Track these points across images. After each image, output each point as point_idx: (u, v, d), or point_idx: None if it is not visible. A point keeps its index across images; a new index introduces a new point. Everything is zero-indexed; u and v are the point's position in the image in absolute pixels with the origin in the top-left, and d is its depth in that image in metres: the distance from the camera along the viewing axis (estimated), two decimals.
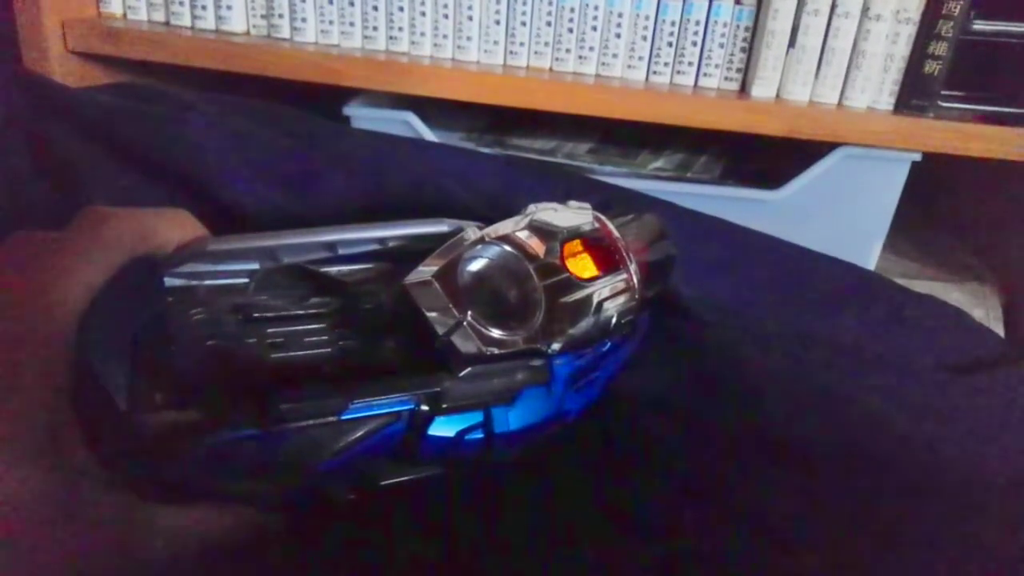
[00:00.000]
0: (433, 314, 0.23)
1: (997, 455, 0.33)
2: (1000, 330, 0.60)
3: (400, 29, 0.62)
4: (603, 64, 0.62)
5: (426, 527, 0.26)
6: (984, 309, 0.58)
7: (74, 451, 0.20)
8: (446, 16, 0.61)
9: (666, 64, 0.61)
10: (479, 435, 0.24)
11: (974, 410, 0.35)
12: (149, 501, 0.21)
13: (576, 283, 0.26)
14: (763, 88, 0.59)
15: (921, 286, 0.55)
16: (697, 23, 0.60)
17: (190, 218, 0.25)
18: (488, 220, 0.27)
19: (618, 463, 0.30)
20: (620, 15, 0.60)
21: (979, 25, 0.55)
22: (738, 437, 0.32)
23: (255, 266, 0.25)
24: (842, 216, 0.59)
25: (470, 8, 0.61)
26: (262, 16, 0.63)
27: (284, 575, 0.23)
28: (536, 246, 0.26)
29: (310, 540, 0.24)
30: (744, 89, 0.61)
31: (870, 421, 0.33)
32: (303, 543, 0.24)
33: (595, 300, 0.26)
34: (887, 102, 0.58)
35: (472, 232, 0.25)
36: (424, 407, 0.22)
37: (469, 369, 0.23)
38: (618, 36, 0.61)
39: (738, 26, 0.59)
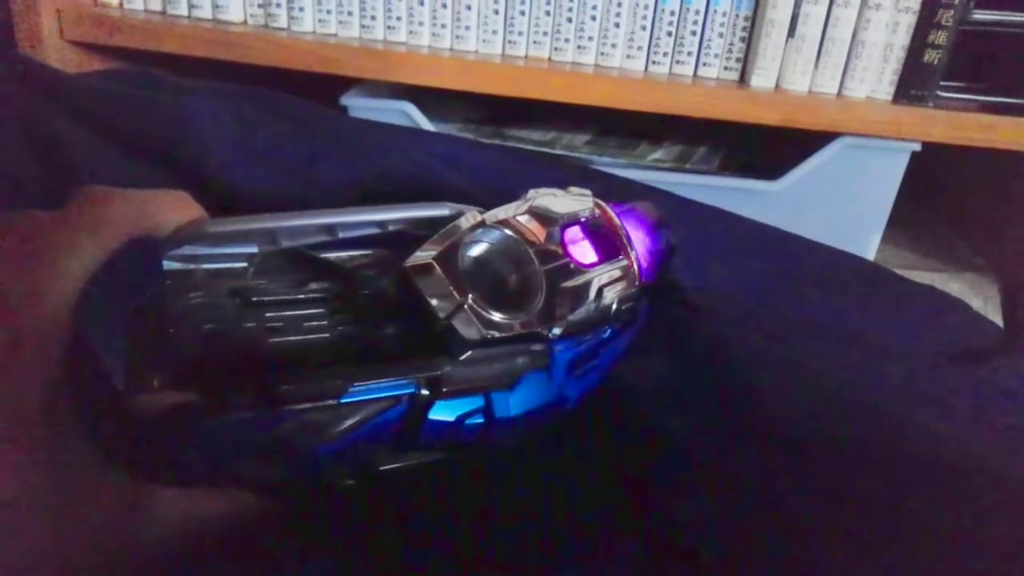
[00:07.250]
0: (434, 298, 0.23)
1: (994, 444, 0.33)
2: (998, 320, 0.60)
3: (398, 18, 0.62)
4: (602, 54, 0.61)
5: (425, 513, 0.26)
6: (982, 299, 0.58)
7: (71, 434, 0.19)
8: (444, 5, 0.61)
9: (665, 54, 0.61)
10: (479, 420, 0.24)
11: (972, 399, 0.35)
12: (147, 484, 0.21)
13: (576, 268, 0.26)
14: (762, 78, 0.59)
15: (920, 276, 0.55)
16: (696, 12, 0.59)
17: (189, 199, 0.24)
18: (486, 207, 0.27)
19: (617, 450, 0.30)
20: (619, 4, 0.60)
21: (979, 14, 0.55)
22: (738, 424, 0.32)
23: (254, 250, 0.25)
24: (841, 206, 0.59)
25: None
26: (259, 5, 0.63)
27: (282, 560, 0.23)
28: (536, 231, 0.26)
29: (309, 525, 0.24)
30: (743, 79, 0.61)
31: (869, 409, 0.33)
32: (302, 528, 0.24)
33: (595, 286, 0.26)
34: (887, 92, 0.58)
35: (472, 216, 0.25)
36: (424, 391, 0.22)
37: (470, 353, 0.23)
38: (617, 26, 0.60)
39: (737, 15, 0.59)
